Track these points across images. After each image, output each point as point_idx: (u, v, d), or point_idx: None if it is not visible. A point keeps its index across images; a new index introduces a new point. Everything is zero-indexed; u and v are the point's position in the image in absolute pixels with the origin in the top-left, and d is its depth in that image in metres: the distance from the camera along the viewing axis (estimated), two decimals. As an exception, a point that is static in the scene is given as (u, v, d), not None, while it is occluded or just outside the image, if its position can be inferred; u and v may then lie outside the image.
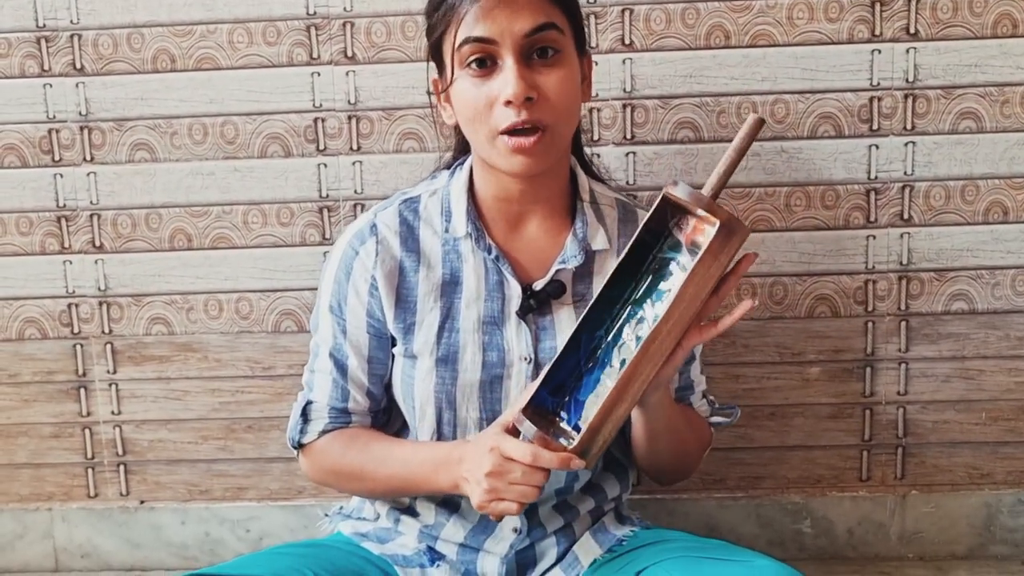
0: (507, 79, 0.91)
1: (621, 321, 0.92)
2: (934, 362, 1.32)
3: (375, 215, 1.03)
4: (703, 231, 0.86)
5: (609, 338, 0.92)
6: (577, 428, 0.90)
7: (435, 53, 0.98)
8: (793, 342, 1.32)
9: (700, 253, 0.84)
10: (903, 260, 1.30)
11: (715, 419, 1.10)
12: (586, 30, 1.05)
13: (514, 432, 0.90)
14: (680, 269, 0.89)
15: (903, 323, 1.31)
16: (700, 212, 0.85)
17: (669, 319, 0.85)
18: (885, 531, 1.35)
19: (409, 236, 1.02)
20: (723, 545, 0.98)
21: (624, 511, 1.11)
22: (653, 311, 0.90)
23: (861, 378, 1.33)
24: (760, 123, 0.84)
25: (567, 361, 0.91)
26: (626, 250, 0.90)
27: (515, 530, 1.04)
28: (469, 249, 1.01)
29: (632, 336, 0.91)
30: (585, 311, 0.90)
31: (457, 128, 1.00)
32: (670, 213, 0.90)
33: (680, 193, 0.86)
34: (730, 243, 0.84)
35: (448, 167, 1.07)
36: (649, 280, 0.91)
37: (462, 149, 1.07)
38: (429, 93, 1.05)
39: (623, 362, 0.90)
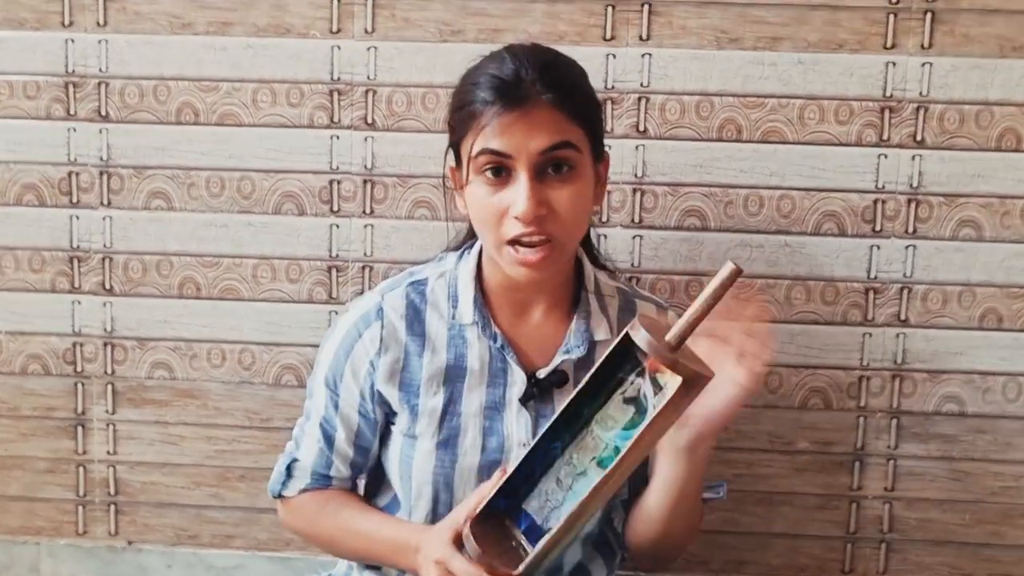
0: (519, 195, 0.93)
1: (579, 438, 0.91)
2: (922, 461, 1.34)
3: (382, 296, 1.05)
4: (664, 370, 0.85)
5: (564, 454, 0.91)
6: (526, 533, 0.90)
7: (455, 148, 1.00)
8: (785, 431, 1.34)
9: (661, 406, 0.83)
10: (897, 359, 1.32)
11: (705, 495, 1.09)
12: (604, 128, 1.06)
13: (460, 542, 0.90)
14: (641, 396, 0.88)
15: (894, 420, 1.33)
16: (660, 365, 0.83)
17: (623, 463, 0.85)
18: (865, 625, 1.37)
19: (415, 320, 1.04)
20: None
21: (609, 594, 1.12)
22: (606, 437, 0.89)
23: (850, 471, 1.34)
24: (737, 273, 0.80)
25: (523, 467, 0.91)
26: (593, 369, 0.88)
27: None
28: (475, 335, 1.03)
29: (586, 460, 0.90)
30: (551, 422, 0.90)
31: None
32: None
33: (640, 340, 0.83)
34: (691, 395, 0.84)
35: (456, 248, 1.10)
36: (608, 399, 0.90)
37: (471, 233, 1.09)
38: (444, 177, 1.07)
39: (571, 484, 0.89)
